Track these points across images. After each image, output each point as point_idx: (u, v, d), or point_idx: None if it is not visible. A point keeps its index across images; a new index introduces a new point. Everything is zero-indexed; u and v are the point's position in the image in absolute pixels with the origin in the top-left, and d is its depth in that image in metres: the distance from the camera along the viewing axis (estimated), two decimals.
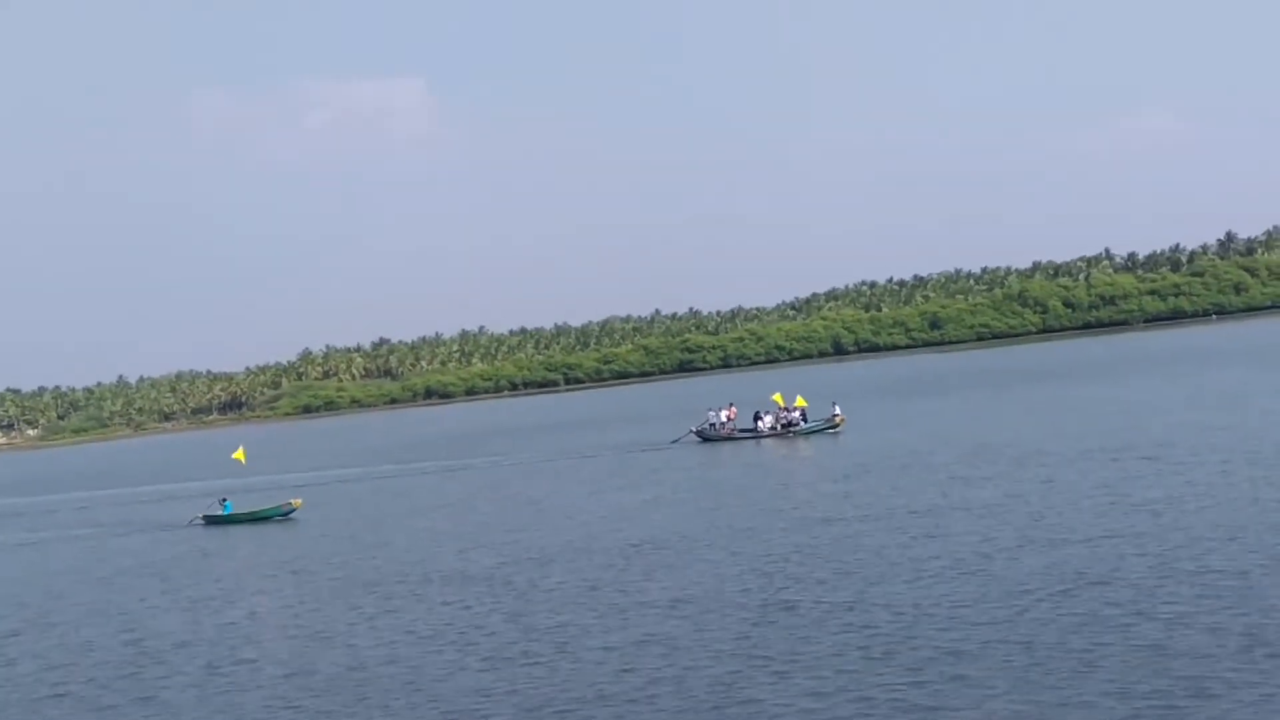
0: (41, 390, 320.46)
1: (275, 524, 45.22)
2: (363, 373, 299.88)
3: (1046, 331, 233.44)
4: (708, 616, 21.62)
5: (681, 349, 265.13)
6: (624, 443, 67.26)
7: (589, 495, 42.99)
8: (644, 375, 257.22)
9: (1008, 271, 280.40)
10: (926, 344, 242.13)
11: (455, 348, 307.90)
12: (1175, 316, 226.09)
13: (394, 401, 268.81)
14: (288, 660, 21.86)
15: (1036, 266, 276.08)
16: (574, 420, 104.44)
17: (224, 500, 48.41)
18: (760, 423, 62.14)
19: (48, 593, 33.34)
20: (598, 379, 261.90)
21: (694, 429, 63.80)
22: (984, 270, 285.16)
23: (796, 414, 62.24)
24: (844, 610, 21.06)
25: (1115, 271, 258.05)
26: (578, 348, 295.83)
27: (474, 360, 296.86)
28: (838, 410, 61.38)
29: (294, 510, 46.31)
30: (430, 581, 28.23)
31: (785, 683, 17.35)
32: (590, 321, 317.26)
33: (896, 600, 21.38)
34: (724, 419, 63.43)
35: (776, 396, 63.60)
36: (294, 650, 22.59)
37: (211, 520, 47.14)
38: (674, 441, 62.72)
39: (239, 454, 55.79)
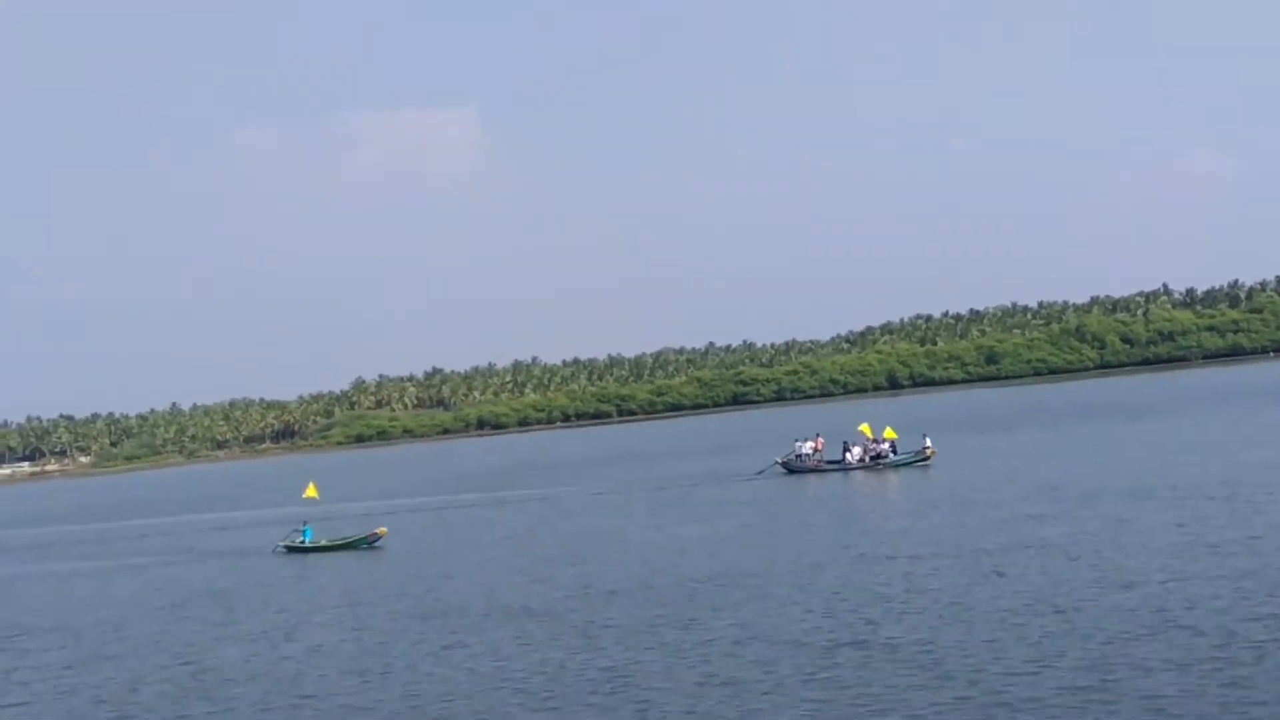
0: (95, 417, 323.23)
1: (359, 553, 44.64)
2: (415, 402, 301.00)
3: (1104, 367, 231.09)
4: (774, 655, 20.98)
5: (735, 381, 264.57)
6: (705, 473, 66.37)
7: (663, 528, 42.46)
8: (697, 407, 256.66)
9: (1065, 306, 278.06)
10: (982, 379, 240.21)
11: (508, 378, 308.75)
12: (1234, 353, 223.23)
13: (446, 431, 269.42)
14: (347, 696, 21.36)
15: (1094, 301, 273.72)
16: (644, 451, 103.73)
17: (304, 525, 47.78)
18: (848, 454, 60.57)
19: (113, 623, 32.92)
20: (651, 411, 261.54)
21: (779, 460, 62.18)
22: (1041, 305, 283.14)
23: (886, 445, 60.58)
24: (918, 650, 20.38)
25: (1174, 307, 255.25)
26: (631, 379, 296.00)
27: (527, 391, 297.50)
28: (929, 442, 59.81)
29: (379, 539, 45.65)
30: (498, 614, 27.74)
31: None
32: (644, 353, 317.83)
33: (971, 641, 20.67)
34: (810, 450, 61.93)
35: (864, 427, 62.28)
36: (354, 686, 22.10)
37: (293, 549, 46.47)
38: (759, 473, 61.20)
39: (311, 490, 55.23)
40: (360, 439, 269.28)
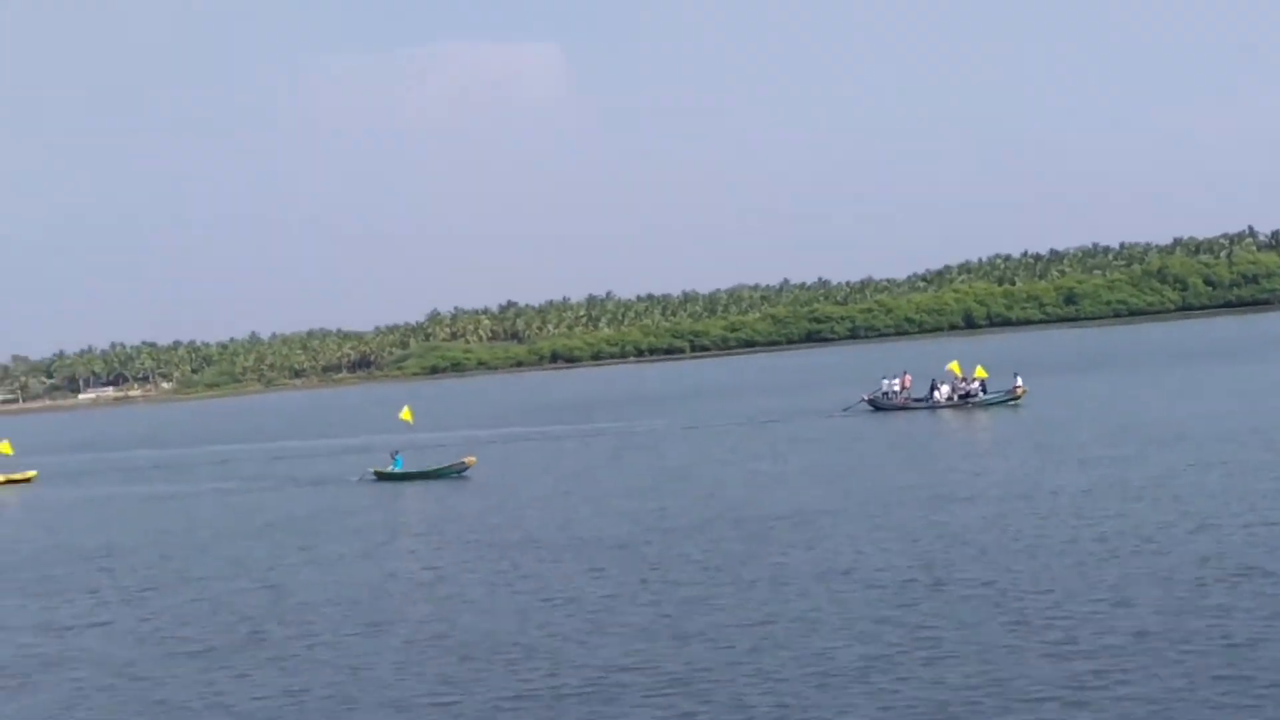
0: (177, 344, 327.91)
1: (448, 482, 44.68)
2: (489, 335, 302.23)
3: (1185, 310, 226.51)
4: (846, 593, 20.90)
5: (809, 319, 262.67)
6: (789, 410, 66.05)
7: (748, 463, 42.34)
8: (771, 344, 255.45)
9: (1147, 248, 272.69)
10: (1061, 319, 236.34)
11: (582, 312, 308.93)
12: None
13: (520, 364, 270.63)
14: (419, 624, 21.51)
15: (1177, 243, 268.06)
16: (724, 386, 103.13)
17: (395, 454, 47.50)
18: (936, 393, 60.33)
19: (197, 546, 33.39)
20: (724, 347, 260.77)
21: (866, 397, 61.89)
22: (1123, 246, 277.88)
23: (976, 384, 60.12)
24: (988, 589, 20.21)
25: (1259, 249, 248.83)
26: (705, 315, 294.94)
27: (601, 325, 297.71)
28: (1019, 381, 58.89)
29: (467, 469, 45.73)
30: (576, 546, 27.76)
31: (932, 668, 16.55)
32: (718, 289, 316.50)
33: (1046, 582, 20.45)
34: (898, 388, 61.81)
35: (953, 365, 61.54)
36: (427, 613, 22.31)
37: (383, 476, 46.58)
38: (844, 410, 61.04)
39: (406, 414, 55.63)
40: (435, 370, 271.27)
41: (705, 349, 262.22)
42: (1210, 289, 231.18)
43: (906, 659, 17.03)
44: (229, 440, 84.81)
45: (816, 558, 24.11)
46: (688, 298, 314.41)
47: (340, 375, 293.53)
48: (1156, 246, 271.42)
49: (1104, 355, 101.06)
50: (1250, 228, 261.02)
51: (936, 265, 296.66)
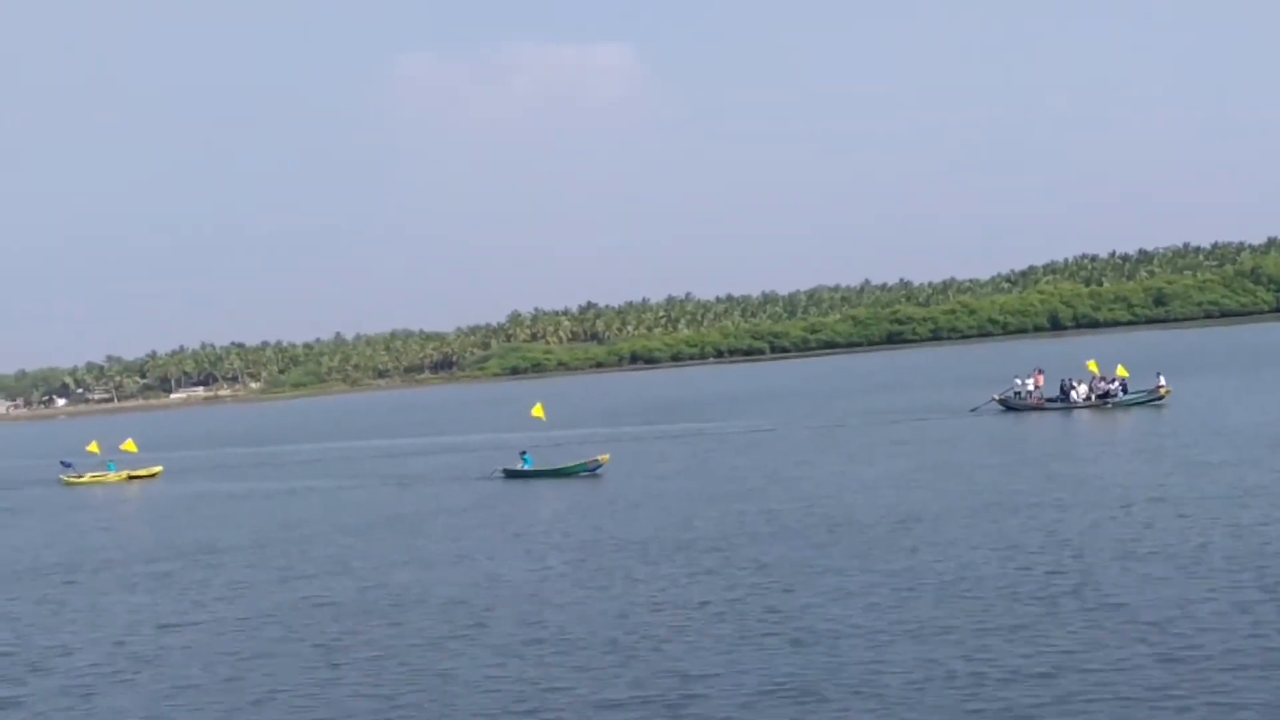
0: (264, 344, 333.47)
1: (580, 480, 44.25)
2: (569, 336, 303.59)
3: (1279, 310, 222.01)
4: (967, 604, 20.06)
5: (890, 320, 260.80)
6: (920, 407, 65.12)
7: (877, 462, 41.81)
8: (851, 346, 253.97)
9: (1240, 247, 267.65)
10: (1149, 321, 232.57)
11: (661, 313, 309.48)
12: None
13: (600, 365, 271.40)
14: (515, 627, 20.97)
15: (1271, 243, 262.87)
16: (833, 386, 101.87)
17: (523, 453, 47.43)
18: (1074, 392, 58.65)
19: (308, 541, 33.53)
20: (803, 349, 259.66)
21: (997, 396, 60.60)
22: (1215, 245, 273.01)
23: (1115, 384, 58.49)
24: (1112, 605, 19.25)
25: None
26: (784, 316, 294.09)
27: (680, 326, 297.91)
28: (1163, 381, 57.33)
29: (600, 466, 45.24)
30: (701, 547, 27.19)
31: (1044, 687, 15.64)
32: (798, 290, 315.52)
33: (1172, 598, 19.41)
34: (1031, 386, 60.34)
35: (1091, 364, 60.18)
36: (527, 614, 21.86)
37: (511, 474, 46.48)
38: (973, 410, 59.76)
39: (538, 410, 55.73)
40: (515, 371, 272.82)
41: (785, 350, 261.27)
42: None
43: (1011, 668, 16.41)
44: (343, 437, 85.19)
45: (942, 564, 23.29)
46: (767, 299, 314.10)
47: (423, 376, 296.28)
48: (1250, 246, 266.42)
49: (1226, 356, 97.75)
50: None
51: (1021, 266, 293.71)
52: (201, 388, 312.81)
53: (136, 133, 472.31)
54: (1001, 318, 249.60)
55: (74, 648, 22.18)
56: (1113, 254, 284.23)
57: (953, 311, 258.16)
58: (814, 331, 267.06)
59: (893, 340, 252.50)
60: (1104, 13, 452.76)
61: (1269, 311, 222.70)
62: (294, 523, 38.10)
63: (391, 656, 19.64)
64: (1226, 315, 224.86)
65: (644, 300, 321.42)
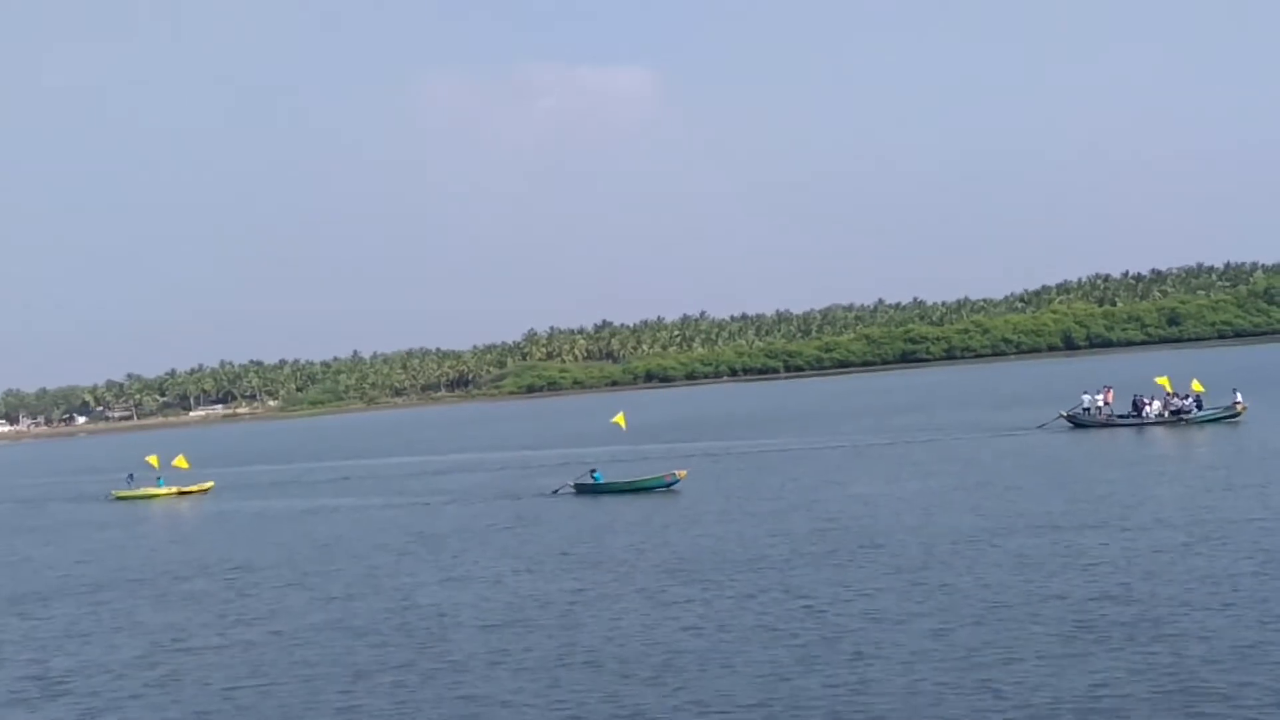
0: (282, 363, 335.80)
1: (654, 496, 43.38)
2: (585, 354, 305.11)
3: None
4: (1013, 631, 20.00)
5: (904, 339, 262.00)
6: (982, 424, 64.49)
7: (953, 478, 41.18)
8: (865, 365, 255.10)
9: (1253, 267, 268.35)
10: (1163, 340, 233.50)
11: (676, 332, 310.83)
12: None
13: (615, 383, 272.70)
14: (541, 652, 20.95)
15: None
16: (898, 402, 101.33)
17: (593, 471, 47.03)
18: (1146, 408, 57.23)
19: (359, 559, 34.11)
20: (818, 367, 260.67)
21: (1064, 413, 59.51)
22: (1228, 265, 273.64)
23: (1190, 400, 57.00)
24: (1150, 640, 18.70)
25: None
26: (799, 335, 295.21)
27: (694, 345, 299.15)
28: (1239, 397, 55.88)
29: (678, 481, 44.55)
30: (764, 566, 27.11)
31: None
32: (812, 309, 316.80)
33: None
34: (1101, 403, 59.02)
35: (1163, 380, 58.69)
36: (562, 636, 21.89)
37: (582, 489, 45.97)
38: (1041, 426, 59.09)
39: (619, 419, 56.38)
40: (531, 389, 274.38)
41: (799, 369, 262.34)
42: None
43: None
44: (388, 454, 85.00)
45: (1004, 587, 23.04)
46: (781, 318, 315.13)
47: (439, 394, 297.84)
48: (1263, 266, 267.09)
49: (1228, 374, 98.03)
50: None
51: (1034, 286, 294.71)
52: (220, 405, 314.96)
53: (169, 147, 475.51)
54: (1015, 337, 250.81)
55: (94, 667, 22.57)
56: (1125, 274, 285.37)
57: (966, 331, 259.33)
58: (828, 350, 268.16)
59: (906, 359, 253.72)
60: (1117, 33, 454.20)
61: None
62: (348, 539, 38.52)
63: (414, 680, 19.76)
64: (1240, 335, 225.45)
65: (659, 319, 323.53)
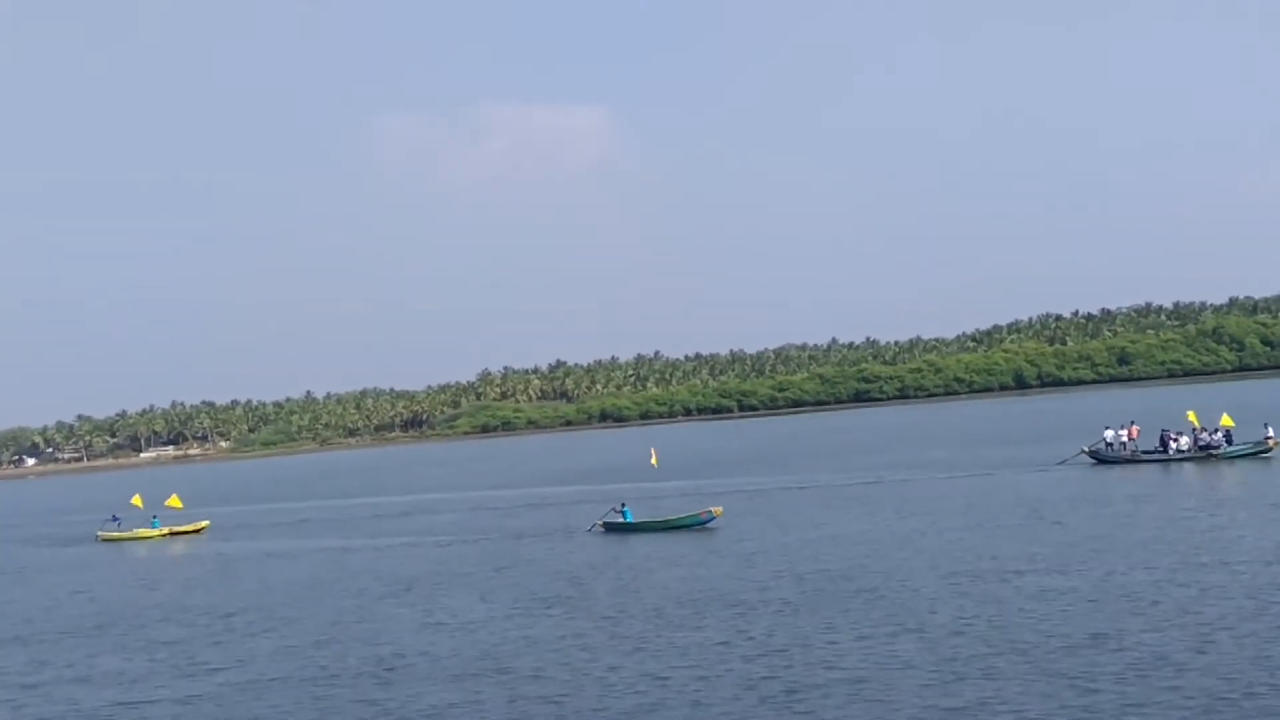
0: (234, 403, 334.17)
1: (689, 534, 42.62)
2: (539, 394, 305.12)
3: (1242, 370, 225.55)
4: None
5: (858, 379, 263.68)
6: (997, 461, 63.36)
7: (985, 519, 39.76)
8: (818, 404, 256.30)
9: (1202, 307, 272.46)
10: (1113, 379, 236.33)
11: (630, 371, 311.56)
12: None
13: (569, 423, 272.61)
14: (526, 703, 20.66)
15: (1233, 303, 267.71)
16: (912, 436, 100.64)
17: (622, 506, 46.12)
18: (1173, 443, 55.79)
19: (347, 600, 33.80)
20: (771, 407, 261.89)
21: (1086, 449, 58.52)
22: (1176, 305, 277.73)
23: (1219, 435, 55.50)
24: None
25: None
26: (752, 375, 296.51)
27: (648, 384, 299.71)
28: (1270, 432, 54.52)
29: (714, 518, 43.74)
30: (786, 608, 26.63)
31: None
32: (766, 349, 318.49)
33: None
34: (1125, 438, 57.73)
35: (1191, 415, 58.49)
36: (531, 685, 21.58)
37: (611, 527, 45.14)
38: (1061, 463, 58.06)
39: (654, 459, 56.12)
40: (485, 429, 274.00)
41: (753, 409, 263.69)
42: (1268, 349, 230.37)
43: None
44: (379, 493, 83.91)
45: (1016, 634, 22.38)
46: (735, 357, 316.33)
47: (393, 434, 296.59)
48: (1211, 305, 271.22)
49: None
50: None
51: (986, 325, 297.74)
52: (171, 447, 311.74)
53: (106, 190, 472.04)
54: (967, 376, 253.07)
55: None
56: (1076, 313, 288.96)
57: (919, 370, 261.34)
58: (782, 390, 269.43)
59: (860, 398, 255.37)
60: (1067, 72, 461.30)
61: (1231, 371, 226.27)
62: (330, 582, 38.01)
63: None
64: (1189, 374, 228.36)
65: (613, 359, 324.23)
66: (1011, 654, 20.85)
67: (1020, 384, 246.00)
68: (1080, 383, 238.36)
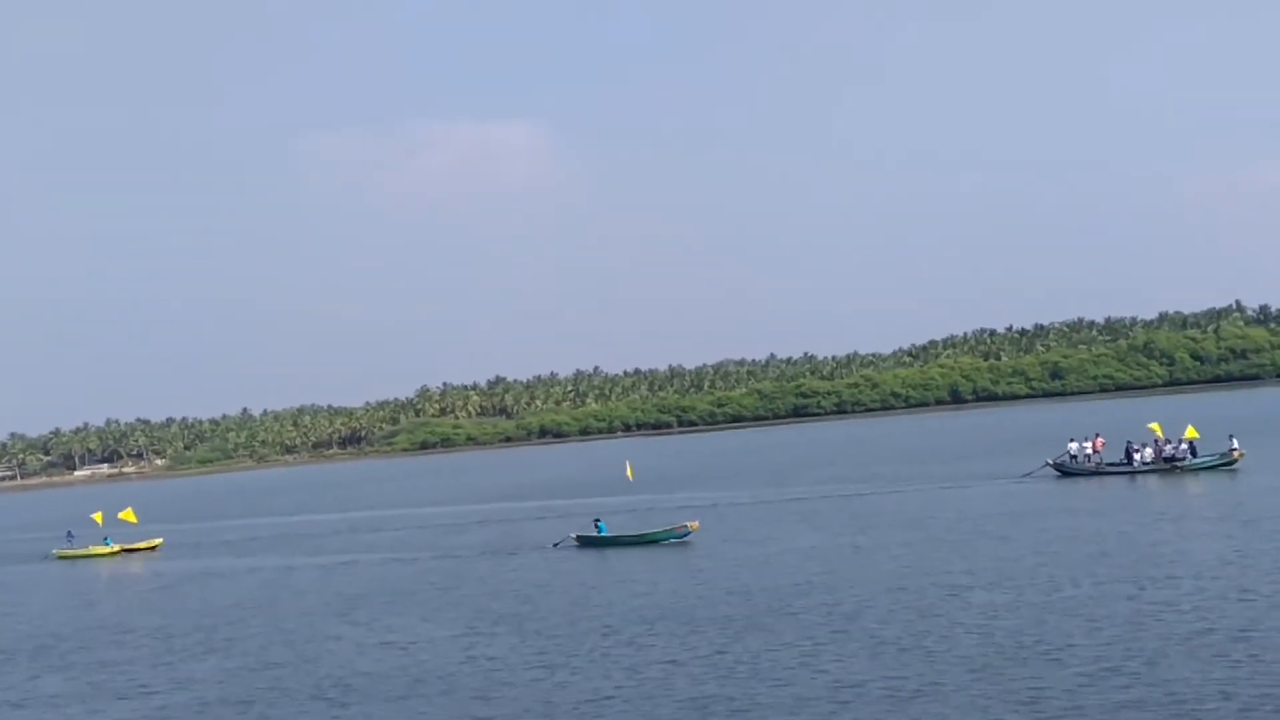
0: (170, 421, 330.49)
1: (663, 548, 42.23)
2: (478, 410, 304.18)
3: (1173, 384, 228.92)
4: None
5: (796, 394, 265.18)
6: (960, 475, 62.77)
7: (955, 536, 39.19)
8: (757, 419, 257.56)
9: (1133, 322, 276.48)
10: (1047, 394, 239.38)
11: (570, 387, 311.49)
12: None
13: (509, 439, 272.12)
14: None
15: (1163, 318, 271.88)
16: (843, 454, 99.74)
17: (598, 520, 45.87)
18: (1137, 455, 56.02)
19: (296, 620, 33.60)
20: (710, 422, 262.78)
21: (1050, 461, 58.33)
22: (1108, 320, 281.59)
23: (1183, 446, 55.61)
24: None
25: (1246, 324, 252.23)
26: (691, 390, 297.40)
27: (588, 400, 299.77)
28: (1235, 444, 54.65)
29: (690, 533, 43.21)
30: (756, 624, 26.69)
31: None
32: (704, 364, 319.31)
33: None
34: (1090, 450, 57.84)
35: (1155, 426, 58.46)
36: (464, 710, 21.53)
37: (585, 541, 44.63)
38: (1025, 476, 57.70)
39: (629, 471, 56.00)
40: (425, 446, 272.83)
41: (692, 424, 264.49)
42: (1197, 364, 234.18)
43: None
44: (321, 510, 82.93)
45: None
46: (674, 373, 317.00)
47: (331, 451, 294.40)
48: (1142, 321, 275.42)
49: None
50: (1237, 302, 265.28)
51: (922, 340, 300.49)
52: (106, 465, 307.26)
53: (37, 204, 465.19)
54: (904, 391, 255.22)
55: None
56: (1010, 328, 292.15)
57: (856, 385, 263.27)
58: (720, 405, 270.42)
59: (798, 413, 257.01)
60: (999, 94, 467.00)
61: (1162, 385, 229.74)
62: (275, 601, 37.85)
63: None
64: (1120, 389, 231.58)
65: (553, 374, 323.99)
66: (962, 669, 21.09)
67: (956, 398, 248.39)
68: (1014, 397, 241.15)
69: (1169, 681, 19.23)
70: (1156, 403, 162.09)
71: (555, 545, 45.37)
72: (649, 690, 21.53)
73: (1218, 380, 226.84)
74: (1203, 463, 54.67)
